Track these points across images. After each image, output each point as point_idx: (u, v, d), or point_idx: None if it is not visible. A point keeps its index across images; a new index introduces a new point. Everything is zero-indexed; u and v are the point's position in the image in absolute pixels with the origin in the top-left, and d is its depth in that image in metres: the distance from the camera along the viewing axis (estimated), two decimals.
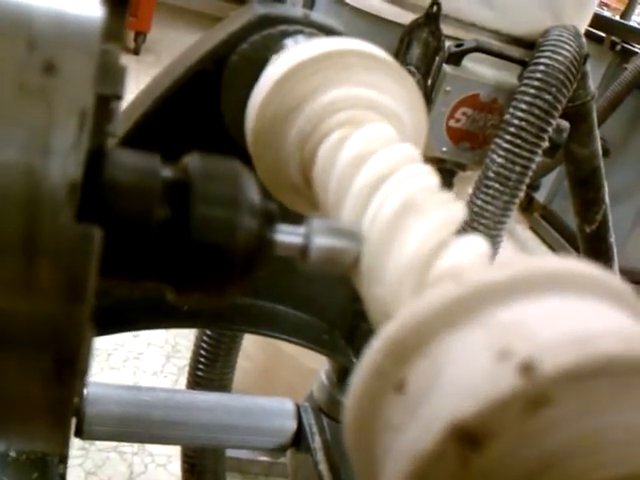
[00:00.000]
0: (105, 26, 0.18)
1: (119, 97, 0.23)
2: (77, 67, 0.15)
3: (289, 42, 0.36)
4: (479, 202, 1.03)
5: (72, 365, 0.16)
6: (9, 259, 0.14)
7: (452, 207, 0.23)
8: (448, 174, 1.11)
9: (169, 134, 0.38)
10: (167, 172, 0.21)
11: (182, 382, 0.90)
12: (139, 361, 1.47)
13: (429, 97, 1.01)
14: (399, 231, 0.21)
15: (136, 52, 3.25)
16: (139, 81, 2.67)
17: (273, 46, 0.36)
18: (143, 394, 0.52)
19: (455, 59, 0.98)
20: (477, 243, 0.22)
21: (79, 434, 0.50)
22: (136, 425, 0.51)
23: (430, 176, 0.25)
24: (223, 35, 0.35)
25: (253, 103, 0.31)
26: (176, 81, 0.36)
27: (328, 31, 0.38)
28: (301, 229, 0.23)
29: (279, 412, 0.55)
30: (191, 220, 0.20)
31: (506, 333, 0.15)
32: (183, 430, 0.52)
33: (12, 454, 0.43)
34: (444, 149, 1.08)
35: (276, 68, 0.30)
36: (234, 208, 0.20)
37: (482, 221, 1.03)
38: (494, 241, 1.05)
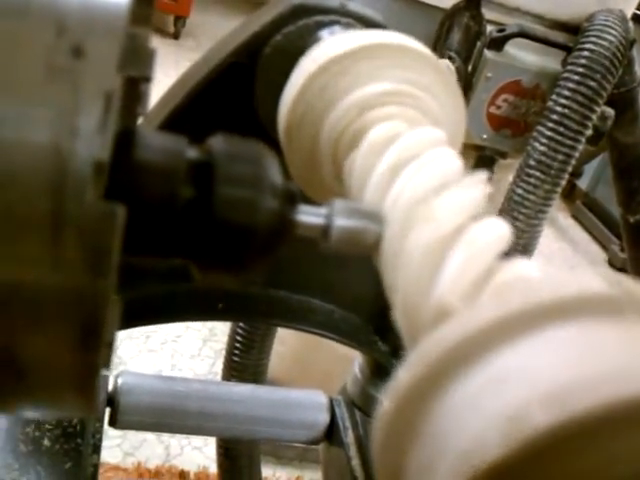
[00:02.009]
0: (132, 10, 0.19)
1: (148, 79, 0.24)
2: (103, 51, 0.16)
3: (325, 33, 0.36)
4: (520, 191, 1.02)
5: (97, 334, 0.17)
6: (37, 235, 0.15)
7: (473, 190, 0.23)
8: (488, 161, 1.10)
9: (203, 126, 0.38)
10: (192, 153, 0.22)
11: (219, 365, 0.92)
12: (177, 344, 1.50)
13: (469, 83, 1.00)
14: (419, 214, 0.22)
15: (176, 36, 3.25)
16: (179, 66, 2.69)
17: (308, 37, 0.36)
18: (177, 384, 0.54)
19: (497, 44, 0.97)
20: (497, 227, 0.22)
21: (113, 424, 0.51)
22: (169, 416, 0.52)
23: (454, 159, 0.25)
24: (256, 27, 0.36)
25: (286, 98, 0.31)
26: (210, 73, 0.37)
27: (365, 21, 0.37)
28: (323, 210, 0.23)
29: (312, 405, 0.56)
30: (214, 199, 0.21)
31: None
32: (216, 422, 0.53)
33: (46, 443, 0.44)
34: (484, 136, 1.07)
35: (309, 62, 0.30)
36: (256, 188, 0.21)
37: (523, 210, 1.02)
38: (534, 230, 1.04)
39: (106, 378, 0.52)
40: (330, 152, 0.29)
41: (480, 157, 1.11)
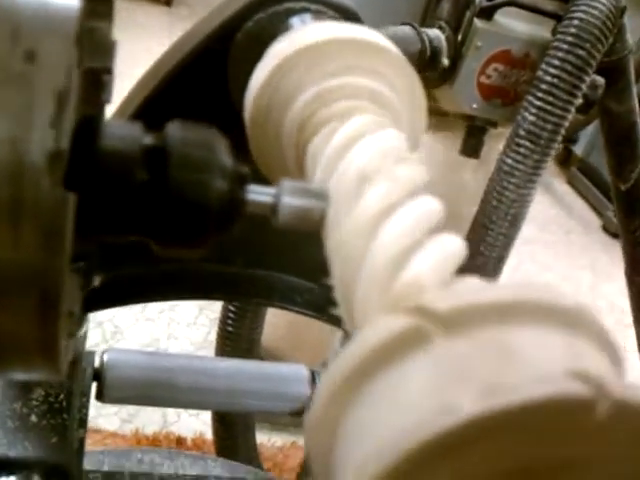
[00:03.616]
0: (88, 8, 0.21)
1: (109, 70, 0.26)
2: (55, 53, 0.18)
3: (295, 21, 0.37)
4: (509, 160, 1.03)
5: (55, 307, 0.19)
6: None
7: (410, 169, 0.25)
8: (479, 131, 1.12)
9: (178, 111, 0.40)
10: (148, 139, 0.24)
11: (214, 334, 0.95)
12: (174, 313, 1.53)
13: (459, 53, 1.02)
14: (356, 192, 0.24)
15: (168, 3, 3.14)
16: (172, 34, 2.68)
17: (278, 24, 0.37)
18: (162, 360, 0.56)
19: (487, 13, 0.99)
20: (428, 204, 0.25)
21: (100, 398, 0.53)
22: (155, 390, 0.54)
23: (397, 140, 0.27)
24: (229, 12, 0.37)
25: (250, 89, 0.32)
26: (183, 59, 0.38)
27: (335, 7, 0.39)
28: (272, 189, 0.25)
29: (295, 378, 0.58)
30: (168, 182, 0.23)
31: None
32: (201, 395, 0.55)
33: (33, 419, 0.46)
34: (474, 106, 1.08)
35: (272, 56, 0.31)
36: (207, 171, 0.23)
37: (512, 180, 1.04)
38: (524, 200, 1.06)
39: (92, 354, 0.54)
40: (292, 142, 0.31)
41: (470, 127, 1.13)
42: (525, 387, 0.15)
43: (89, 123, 0.23)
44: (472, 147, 1.15)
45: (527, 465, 0.15)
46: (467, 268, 0.95)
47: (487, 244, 1.07)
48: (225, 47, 0.38)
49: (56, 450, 0.45)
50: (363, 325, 0.22)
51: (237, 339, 1.00)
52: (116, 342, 1.45)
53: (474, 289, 0.19)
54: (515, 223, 1.06)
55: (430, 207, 0.24)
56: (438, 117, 1.20)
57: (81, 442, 0.49)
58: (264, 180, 0.28)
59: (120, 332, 1.45)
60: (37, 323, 0.20)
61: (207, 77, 0.39)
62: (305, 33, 0.31)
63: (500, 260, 1.08)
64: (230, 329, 0.99)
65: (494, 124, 1.11)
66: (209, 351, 1.29)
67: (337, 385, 0.18)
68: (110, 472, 0.55)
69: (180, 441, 1.26)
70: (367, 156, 0.25)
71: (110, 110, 0.34)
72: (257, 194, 0.25)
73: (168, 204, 0.23)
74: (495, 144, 1.14)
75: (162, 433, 1.27)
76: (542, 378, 0.15)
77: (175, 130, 0.24)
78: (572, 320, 0.18)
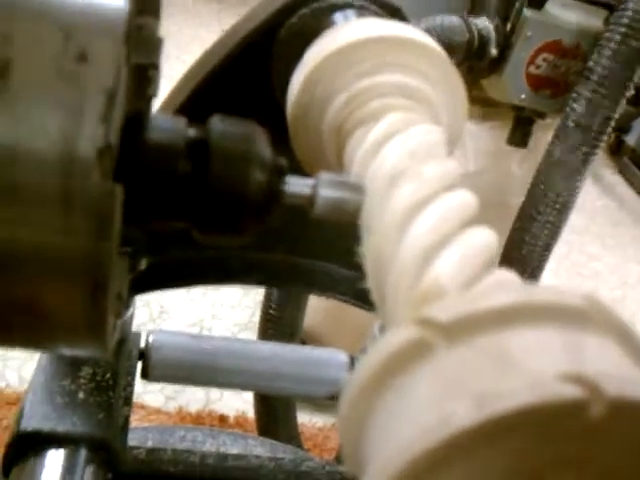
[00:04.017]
0: (137, 5, 0.22)
1: (155, 66, 0.27)
2: (105, 54, 0.20)
3: (338, 17, 0.38)
4: (557, 152, 1.03)
5: (104, 289, 0.21)
6: (50, 208, 0.19)
7: (446, 164, 0.26)
8: (527, 122, 1.11)
9: (223, 105, 0.41)
10: (191, 132, 0.25)
11: (258, 315, 0.97)
12: (218, 294, 1.56)
13: (508, 42, 1.01)
14: (388, 191, 0.25)
15: None
16: (221, 22, 2.70)
17: (322, 20, 0.38)
18: (204, 342, 0.58)
19: (537, 3, 0.98)
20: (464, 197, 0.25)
21: (145, 377, 0.56)
22: (197, 371, 0.56)
23: (434, 135, 0.28)
24: (273, 8, 0.38)
25: (292, 87, 0.33)
26: (228, 55, 0.39)
27: (379, 2, 0.39)
28: (309, 181, 0.27)
29: (333, 363, 0.59)
30: (209, 174, 0.24)
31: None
32: (240, 377, 0.57)
33: (81, 396, 0.48)
34: (523, 96, 1.08)
35: (314, 53, 0.32)
36: (246, 163, 0.25)
37: (560, 171, 1.03)
38: (573, 191, 1.05)
39: (138, 335, 0.57)
40: (332, 139, 0.32)
41: (518, 118, 1.12)
42: (516, 393, 0.15)
43: (137, 117, 0.25)
44: (520, 137, 1.14)
45: (528, 465, 0.16)
46: (514, 258, 0.96)
47: (533, 234, 1.06)
48: (269, 43, 0.39)
49: (102, 426, 0.47)
50: (390, 324, 0.23)
51: (280, 323, 1.02)
52: (162, 321, 1.49)
53: (484, 293, 0.20)
54: (563, 213, 1.05)
55: (460, 201, 0.25)
56: (486, 107, 1.20)
57: (126, 419, 0.51)
58: (305, 173, 0.29)
59: (166, 312, 1.49)
60: (87, 304, 0.21)
61: (251, 72, 0.40)
62: (344, 32, 0.32)
63: (546, 249, 1.08)
64: (273, 312, 1.01)
65: (542, 115, 1.11)
66: (252, 332, 1.32)
67: (361, 387, 0.19)
68: (153, 448, 0.57)
69: (223, 419, 1.29)
70: (397, 155, 0.26)
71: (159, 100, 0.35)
72: (295, 185, 0.26)
73: (209, 195, 0.24)
74: (543, 134, 1.13)
75: (205, 411, 1.30)
76: (534, 383, 0.16)
77: (217, 124, 0.25)
78: (580, 318, 0.18)
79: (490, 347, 0.17)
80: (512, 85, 1.07)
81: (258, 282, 0.56)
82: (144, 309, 1.48)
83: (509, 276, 0.23)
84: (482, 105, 1.20)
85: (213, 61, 0.40)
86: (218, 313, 1.53)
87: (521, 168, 1.17)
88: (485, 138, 1.19)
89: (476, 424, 0.15)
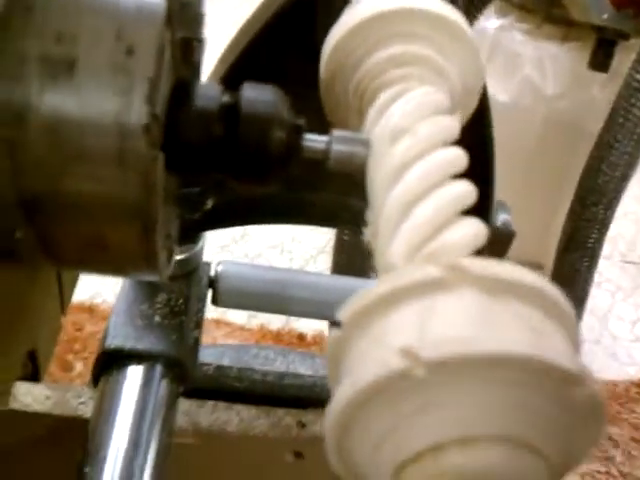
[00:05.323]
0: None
1: (199, 39, 0.34)
2: (148, 47, 0.27)
3: None
4: (639, 76, 1.04)
5: (154, 230, 0.29)
6: (110, 166, 0.27)
7: (440, 123, 0.32)
8: (609, 44, 1.12)
9: (271, 63, 0.47)
10: (225, 98, 0.32)
11: None
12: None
13: None
14: (391, 143, 0.31)
15: None
16: None
17: None
18: (268, 272, 0.66)
19: None
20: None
21: (215, 303, 0.65)
22: (261, 298, 0.65)
23: (437, 97, 0.34)
24: None
25: (323, 54, 0.38)
26: (275, 12, 0.45)
27: None
28: (324, 137, 0.33)
29: None
30: (238, 134, 0.31)
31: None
32: (300, 305, 0.64)
33: (157, 319, 0.57)
34: (604, 16, 1.08)
35: (341, 24, 0.37)
36: (268, 124, 0.31)
37: None
38: None
39: (208, 265, 0.65)
40: (356, 105, 0.37)
41: (600, 39, 1.13)
42: (369, 371, 0.22)
43: (182, 85, 0.32)
44: (602, 60, 1.15)
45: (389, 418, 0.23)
46: (590, 187, 1.02)
47: (610, 163, 1.09)
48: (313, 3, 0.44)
49: (175, 346, 0.56)
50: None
51: (352, 250, 1.09)
52: (245, 243, 1.59)
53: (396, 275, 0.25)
54: None
55: (446, 158, 0.31)
56: (567, 27, 1.21)
57: (196, 340, 0.60)
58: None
59: (248, 234, 1.60)
60: (140, 241, 0.29)
61: (297, 31, 0.46)
62: (369, 3, 0.37)
63: (624, 179, 1.10)
64: (345, 238, 1.08)
65: (626, 36, 1.11)
66: (330, 255, 1.40)
67: (350, 318, 0.25)
68: (220, 366, 0.66)
69: (301, 337, 1.41)
70: (397, 115, 0.32)
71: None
72: (312, 141, 0.33)
73: (238, 151, 0.31)
74: (626, 58, 1.14)
75: (285, 329, 1.42)
76: (381, 361, 0.22)
77: (246, 91, 0.32)
78: (437, 287, 0.24)
79: (375, 335, 0.24)
80: (593, 4, 1.08)
81: (312, 222, 0.62)
82: (227, 232, 1.58)
83: (456, 240, 0.28)
84: (563, 25, 1.21)
85: (261, 21, 0.46)
86: (297, 236, 1.63)
87: (602, 92, 1.18)
88: (565, 60, 1.20)
89: (355, 394, 0.23)
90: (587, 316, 1.49)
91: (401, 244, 0.28)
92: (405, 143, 0.31)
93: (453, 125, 0.32)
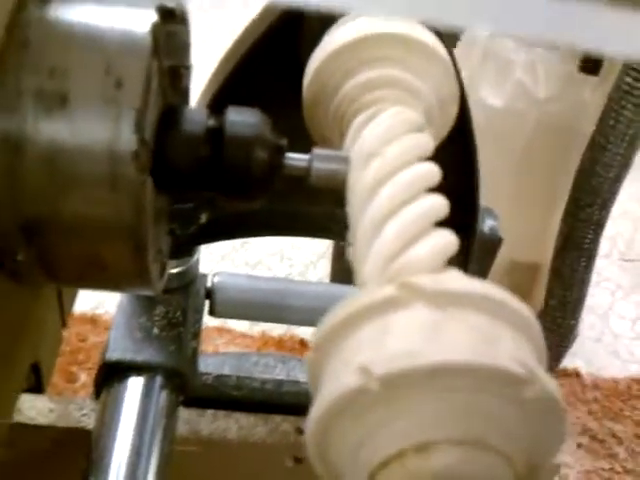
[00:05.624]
0: (162, 29, 0.32)
1: (186, 66, 0.37)
2: (135, 79, 0.29)
3: None
4: (629, 79, 1.05)
5: (145, 247, 0.31)
6: (101, 187, 0.29)
7: (414, 141, 0.34)
8: None
9: (255, 89, 0.49)
10: (211, 121, 0.34)
11: None
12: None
13: None
14: (364, 164, 0.33)
15: None
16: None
17: None
18: (262, 283, 0.69)
19: None
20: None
21: (212, 313, 0.67)
22: (256, 307, 0.67)
23: (409, 117, 0.36)
24: None
25: (306, 77, 0.40)
26: (260, 38, 0.47)
27: None
28: (306, 156, 0.36)
29: None
30: (222, 155, 0.34)
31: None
32: (296, 314, 0.67)
33: (155, 331, 0.59)
34: None
35: (322, 50, 0.39)
36: (251, 145, 0.34)
37: (631, 99, 1.04)
38: None
39: (205, 276, 0.67)
40: (337, 126, 0.39)
41: None
42: (334, 389, 0.25)
43: (170, 110, 0.35)
44: (592, 64, 1.17)
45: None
46: (583, 188, 1.04)
47: (603, 164, 1.11)
48: (297, 26, 0.46)
49: (173, 357, 0.58)
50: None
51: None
52: (245, 251, 1.62)
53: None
54: (633, 144, 1.09)
55: (413, 176, 0.32)
56: None
57: (194, 350, 0.62)
58: None
59: (248, 242, 1.62)
60: (133, 259, 0.31)
61: (281, 54, 0.47)
62: (348, 28, 0.39)
63: (617, 180, 1.12)
64: (343, 245, 1.11)
65: None
66: (329, 261, 1.42)
67: (321, 339, 0.27)
68: (219, 375, 0.68)
69: (303, 342, 1.43)
70: (368, 139, 0.34)
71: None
72: (293, 160, 0.35)
73: (224, 171, 0.34)
74: (617, 61, 1.16)
75: (287, 335, 1.45)
76: (341, 379, 0.25)
77: (230, 114, 0.35)
78: (390, 306, 0.26)
79: (341, 353, 0.27)
80: None
81: (305, 234, 0.64)
82: (227, 241, 1.60)
83: (422, 254, 0.29)
84: None
85: (246, 44, 0.48)
86: (297, 243, 1.65)
87: (593, 95, 1.20)
88: (557, 64, 1.22)
89: (323, 409, 0.25)
90: (588, 315, 1.51)
91: (372, 262, 0.30)
92: (375, 165, 0.33)
93: (425, 141, 0.35)
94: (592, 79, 1.20)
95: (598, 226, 1.16)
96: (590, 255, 1.19)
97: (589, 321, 1.55)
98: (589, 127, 1.13)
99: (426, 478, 0.24)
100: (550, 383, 0.24)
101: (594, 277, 1.25)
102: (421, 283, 0.26)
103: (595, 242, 1.18)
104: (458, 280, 0.26)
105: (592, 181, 1.12)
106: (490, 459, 0.25)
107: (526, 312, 0.26)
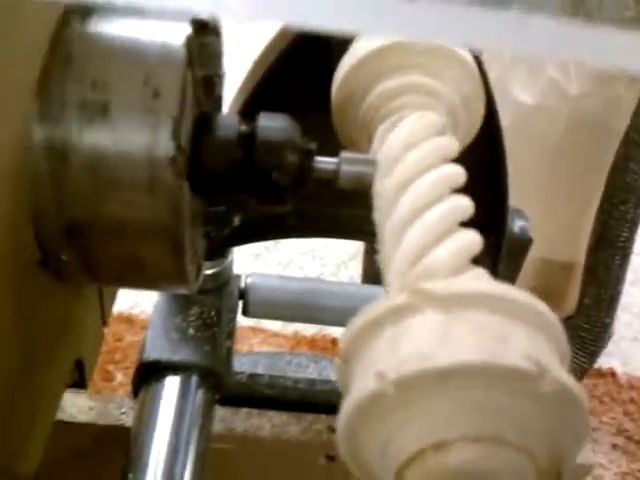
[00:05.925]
0: (192, 41, 0.34)
1: (219, 75, 0.39)
2: (172, 89, 0.31)
3: None
4: None
5: (182, 249, 0.33)
6: (140, 191, 0.31)
7: (437, 144, 0.36)
8: None
9: (286, 96, 0.51)
10: (243, 127, 0.36)
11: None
12: None
13: None
14: (391, 164, 0.35)
15: None
16: None
17: None
18: (295, 283, 0.70)
19: None
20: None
21: (245, 313, 0.69)
22: (289, 308, 0.69)
23: (433, 116, 0.38)
24: None
25: (334, 84, 0.42)
26: (288, 46, 0.49)
27: None
28: (334, 159, 0.37)
29: None
30: (254, 159, 0.36)
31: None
32: (328, 313, 0.69)
33: (191, 331, 0.61)
34: (628, 13, 1.10)
35: (351, 55, 0.41)
36: (282, 150, 0.36)
37: None
38: None
39: (239, 277, 0.69)
40: (365, 131, 0.41)
41: None
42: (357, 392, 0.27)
43: (204, 118, 0.37)
44: None
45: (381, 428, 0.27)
46: (617, 186, 1.05)
47: (638, 161, 1.11)
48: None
49: (208, 357, 0.59)
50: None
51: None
52: (277, 251, 1.64)
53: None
54: None
55: (433, 181, 0.34)
56: None
57: (229, 350, 0.64)
58: None
59: (280, 242, 1.64)
60: (171, 259, 0.33)
61: (311, 62, 0.49)
62: (367, 39, 0.40)
63: None
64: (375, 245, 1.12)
65: None
66: (361, 261, 1.43)
67: (346, 346, 0.29)
68: (253, 374, 0.70)
69: (334, 342, 1.45)
70: (391, 146, 0.36)
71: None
72: (322, 164, 0.37)
73: (255, 175, 0.36)
74: None
75: (319, 335, 1.46)
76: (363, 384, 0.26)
77: (262, 120, 0.36)
78: (405, 312, 0.27)
79: (363, 360, 0.28)
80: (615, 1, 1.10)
81: (333, 235, 0.66)
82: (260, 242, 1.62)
83: (444, 256, 0.31)
84: None
85: (275, 53, 0.50)
86: (329, 243, 1.67)
87: (628, 90, 1.20)
88: None
89: (349, 412, 0.27)
90: (624, 313, 1.50)
91: (395, 266, 0.31)
92: (397, 171, 0.34)
93: (448, 143, 0.36)
94: (626, 74, 1.20)
95: (633, 224, 1.16)
96: (625, 253, 1.19)
97: (625, 320, 1.55)
98: (623, 123, 1.13)
99: (446, 474, 0.26)
100: (565, 377, 0.25)
101: (630, 275, 1.24)
102: (432, 288, 0.27)
103: (630, 240, 1.18)
104: (472, 282, 0.28)
105: (626, 178, 1.12)
106: (508, 454, 0.26)
107: (546, 312, 0.27)
